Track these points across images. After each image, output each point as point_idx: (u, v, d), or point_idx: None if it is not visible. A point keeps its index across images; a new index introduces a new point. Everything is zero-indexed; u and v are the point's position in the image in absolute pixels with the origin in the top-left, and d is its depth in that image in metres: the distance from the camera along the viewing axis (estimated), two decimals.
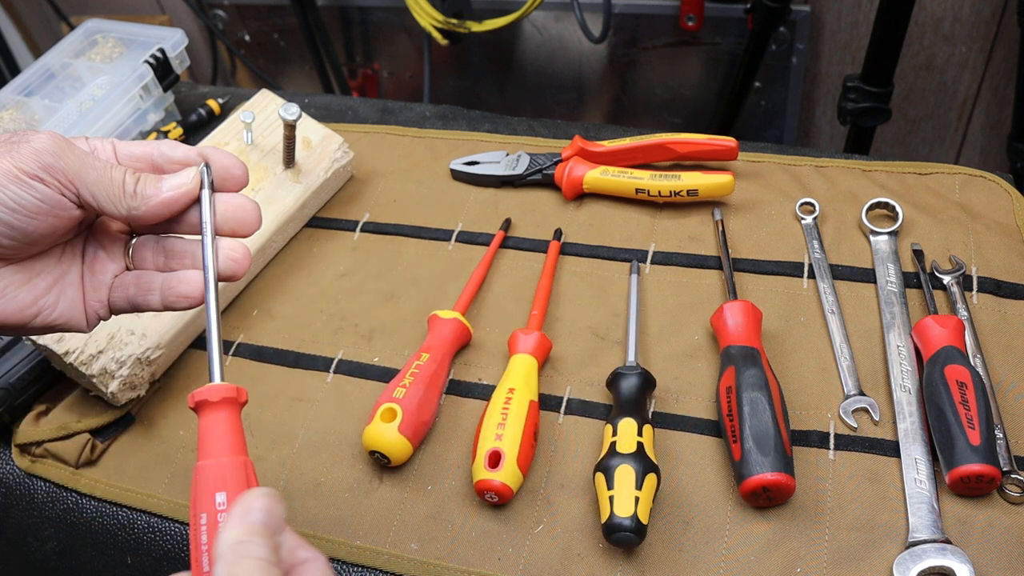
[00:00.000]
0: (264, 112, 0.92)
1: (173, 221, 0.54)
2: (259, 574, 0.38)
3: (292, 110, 0.82)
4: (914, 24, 1.40)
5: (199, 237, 0.53)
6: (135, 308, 0.55)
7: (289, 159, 0.88)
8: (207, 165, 0.53)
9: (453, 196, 0.92)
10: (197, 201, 0.53)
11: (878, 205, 0.81)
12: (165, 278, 0.54)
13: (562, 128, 0.99)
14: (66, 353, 0.72)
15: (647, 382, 0.68)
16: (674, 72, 1.63)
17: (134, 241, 0.56)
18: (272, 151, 0.89)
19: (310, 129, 0.92)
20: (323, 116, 1.07)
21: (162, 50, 1.02)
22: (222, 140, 0.89)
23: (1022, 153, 1.24)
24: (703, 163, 0.89)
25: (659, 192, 0.84)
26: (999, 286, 0.73)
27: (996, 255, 0.76)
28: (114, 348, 0.73)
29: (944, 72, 1.49)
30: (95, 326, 0.56)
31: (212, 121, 1.09)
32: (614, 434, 0.63)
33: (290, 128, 0.84)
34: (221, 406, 0.45)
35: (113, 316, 0.57)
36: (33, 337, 0.73)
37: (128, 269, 0.56)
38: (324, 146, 0.92)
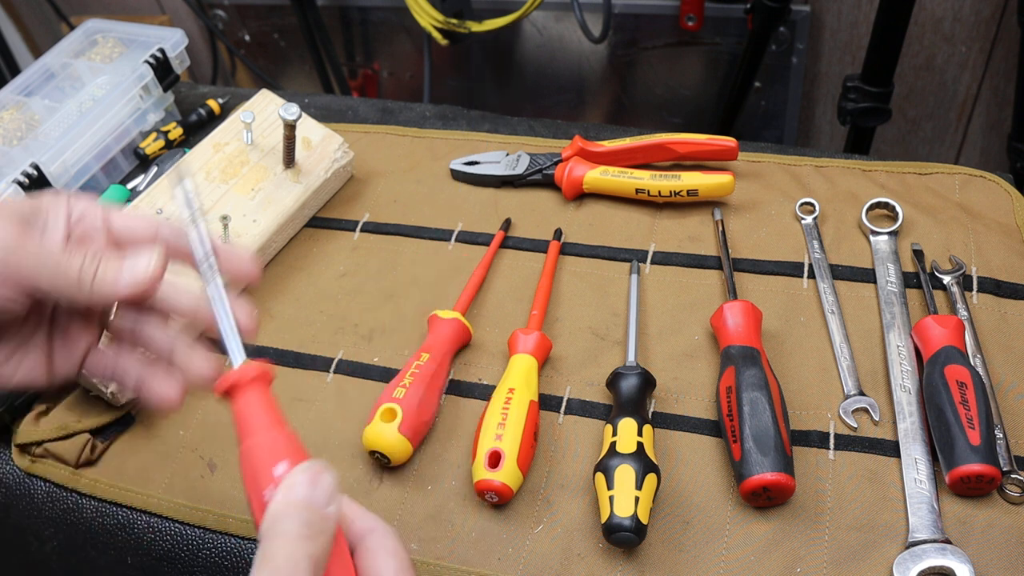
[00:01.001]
0: (264, 112, 0.92)
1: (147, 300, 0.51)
2: (288, 550, 0.35)
3: (292, 110, 0.82)
4: (914, 24, 1.40)
5: (175, 322, 0.52)
6: (112, 380, 0.54)
7: (289, 159, 0.88)
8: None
9: (453, 196, 0.92)
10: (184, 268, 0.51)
11: (878, 205, 0.81)
12: (140, 375, 0.52)
13: (562, 128, 0.99)
14: None
15: (647, 382, 0.68)
16: (674, 72, 1.63)
17: (112, 316, 0.53)
18: (272, 151, 0.89)
19: (310, 129, 0.92)
20: (323, 116, 1.07)
21: (162, 50, 1.02)
22: (222, 140, 0.89)
23: (1022, 153, 1.24)
24: (703, 163, 0.89)
25: (659, 192, 0.84)
26: (999, 286, 0.73)
27: (996, 255, 0.76)
28: None
29: (944, 72, 1.49)
30: (61, 383, 0.53)
31: (212, 121, 1.09)
32: (614, 434, 0.63)
33: (290, 128, 0.84)
34: (254, 384, 0.43)
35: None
36: None
37: (107, 337, 0.53)
38: (324, 146, 0.92)
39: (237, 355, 0.45)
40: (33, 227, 0.49)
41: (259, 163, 0.88)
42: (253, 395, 0.43)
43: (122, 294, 0.49)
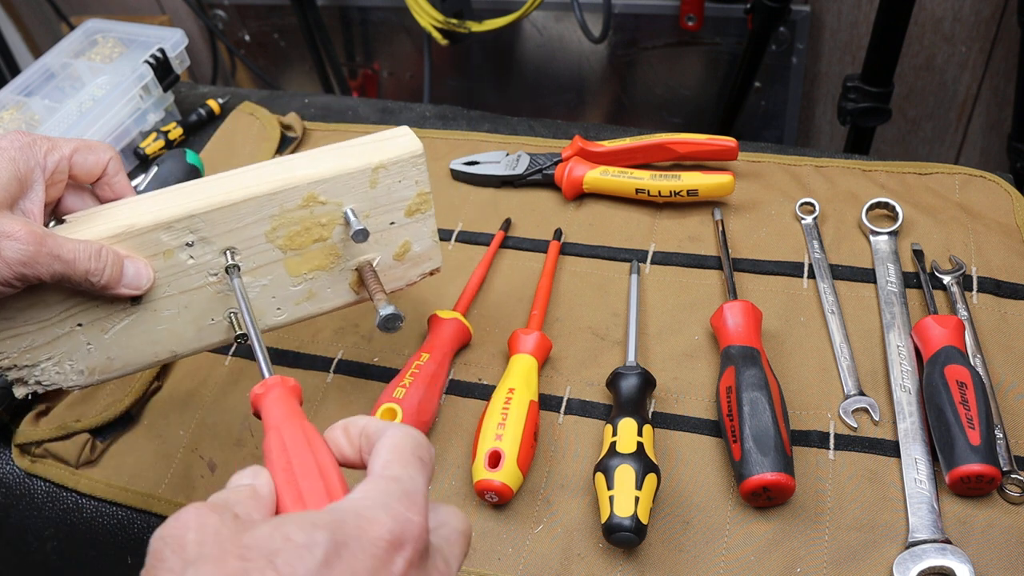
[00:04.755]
0: (395, 149, 0.64)
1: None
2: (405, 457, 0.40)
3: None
4: (914, 24, 1.40)
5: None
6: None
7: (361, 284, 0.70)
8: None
9: (453, 196, 0.92)
10: None
11: (878, 205, 0.81)
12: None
13: (562, 128, 0.99)
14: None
15: (647, 382, 0.68)
16: (674, 72, 1.63)
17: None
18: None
19: (420, 234, 0.69)
20: (323, 116, 1.07)
21: (162, 50, 1.02)
22: (323, 195, 0.62)
23: (1022, 153, 1.24)
24: (703, 163, 0.89)
25: (659, 192, 0.84)
26: (999, 286, 0.73)
27: (996, 255, 0.76)
28: (45, 372, 0.62)
29: (944, 72, 1.49)
30: None
31: (212, 121, 1.09)
32: (614, 434, 0.63)
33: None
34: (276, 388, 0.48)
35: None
36: None
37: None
38: (417, 263, 0.70)
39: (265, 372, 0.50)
40: (27, 198, 0.57)
41: (335, 244, 0.65)
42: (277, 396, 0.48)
43: (121, 295, 0.58)
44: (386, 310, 0.62)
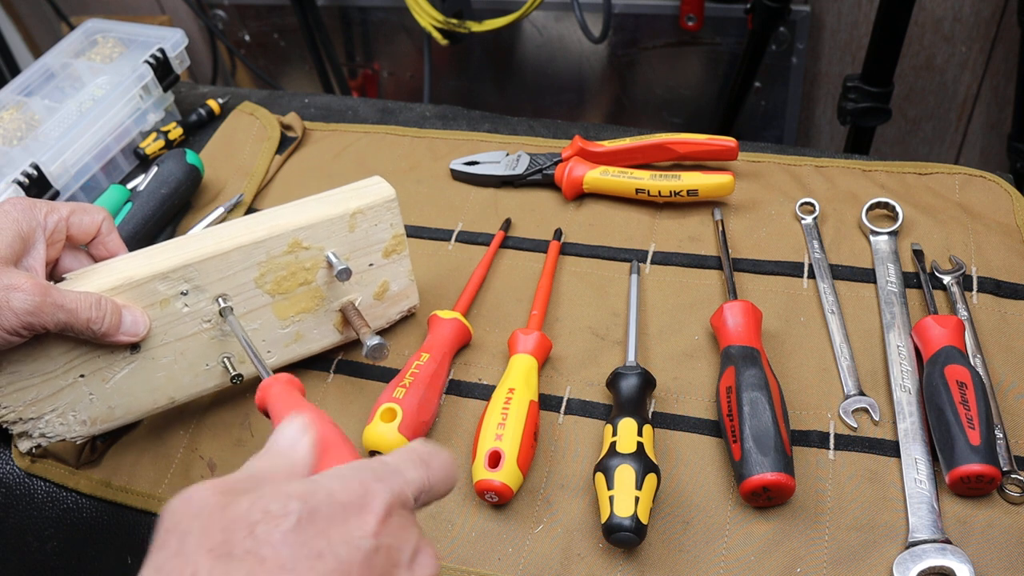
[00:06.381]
0: (371, 196, 0.69)
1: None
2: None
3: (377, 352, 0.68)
4: (914, 24, 1.40)
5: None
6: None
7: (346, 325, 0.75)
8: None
9: (453, 196, 0.92)
10: None
11: (878, 205, 0.81)
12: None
13: (562, 128, 0.99)
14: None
15: (647, 382, 0.68)
16: (674, 72, 1.63)
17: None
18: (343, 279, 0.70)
19: (397, 274, 0.75)
20: (323, 116, 1.07)
21: (162, 50, 1.02)
22: (307, 240, 0.67)
23: (1022, 153, 1.24)
24: (703, 163, 0.89)
25: (659, 192, 0.84)
26: (999, 286, 0.73)
27: (996, 255, 0.76)
28: (49, 424, 0.66)
29: (944, 72, 1.49)
30: None
31: (212, 121, 1.09)
32: (614, 434, 0.63)
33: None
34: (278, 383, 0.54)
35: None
36: None
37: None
38: (396, 302, 0.77)
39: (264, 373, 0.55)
40: (30, 255, 0.61)
41: (319, 286, 0.71)
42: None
43: (120, 342, 0.62)
44: (372, 340, 0.67)
